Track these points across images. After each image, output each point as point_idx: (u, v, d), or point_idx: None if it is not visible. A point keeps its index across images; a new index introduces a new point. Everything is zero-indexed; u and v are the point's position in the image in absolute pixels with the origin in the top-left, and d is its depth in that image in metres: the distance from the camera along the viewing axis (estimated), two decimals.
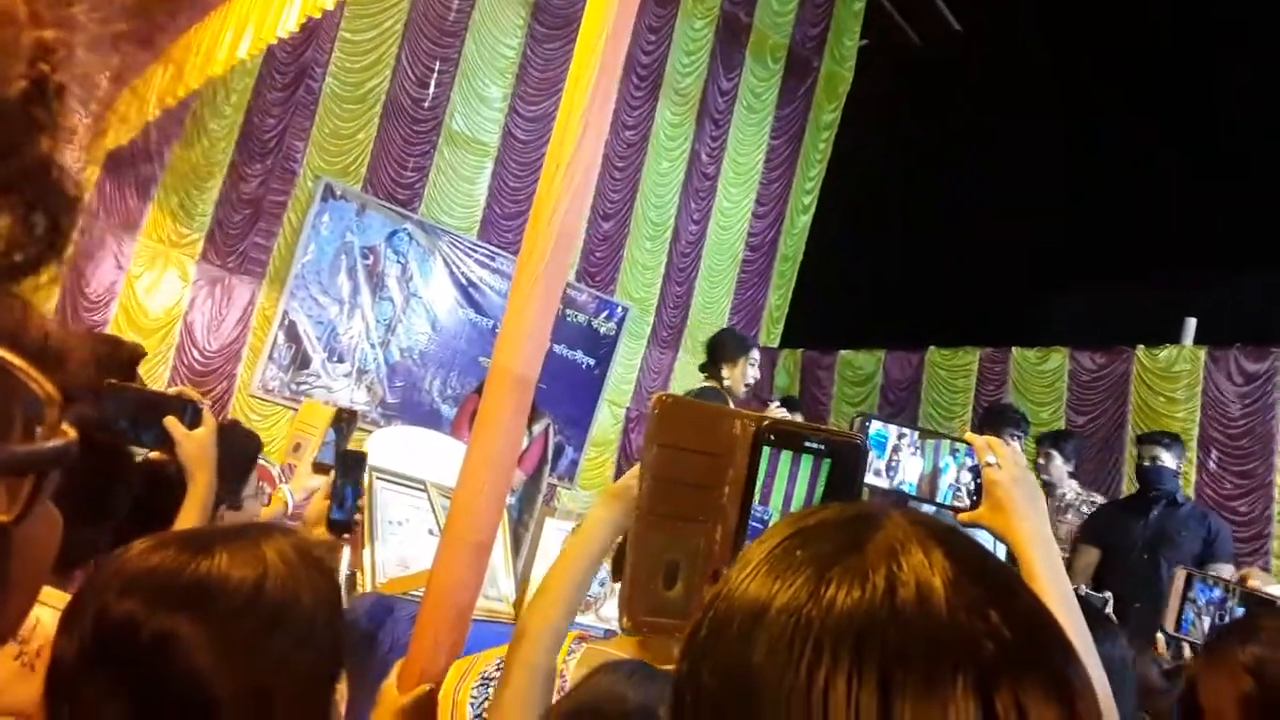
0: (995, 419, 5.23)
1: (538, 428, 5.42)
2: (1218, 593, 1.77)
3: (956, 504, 1.33)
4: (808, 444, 0.76)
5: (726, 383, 5.02)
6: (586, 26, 2.59)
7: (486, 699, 1.69)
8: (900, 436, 1.34)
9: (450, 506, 2.51)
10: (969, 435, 1.31)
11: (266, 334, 6.65)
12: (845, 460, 0.76)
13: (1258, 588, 1.88)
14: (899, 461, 1.33)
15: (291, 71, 6.68)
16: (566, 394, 7.53)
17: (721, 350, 5.23)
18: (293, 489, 2.51)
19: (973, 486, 1.31)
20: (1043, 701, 0.49)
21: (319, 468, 2.30)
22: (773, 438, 0.76)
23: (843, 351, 8.24)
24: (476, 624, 2.66)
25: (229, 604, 0.89)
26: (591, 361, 7.87)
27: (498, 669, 1.73)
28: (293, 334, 6.70)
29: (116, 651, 0.86)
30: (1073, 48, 8.82)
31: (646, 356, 8.27)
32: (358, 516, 2.19)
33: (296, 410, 6.64)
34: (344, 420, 2.34)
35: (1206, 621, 1.75)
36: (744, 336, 5.62)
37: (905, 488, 1.34)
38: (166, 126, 6.16)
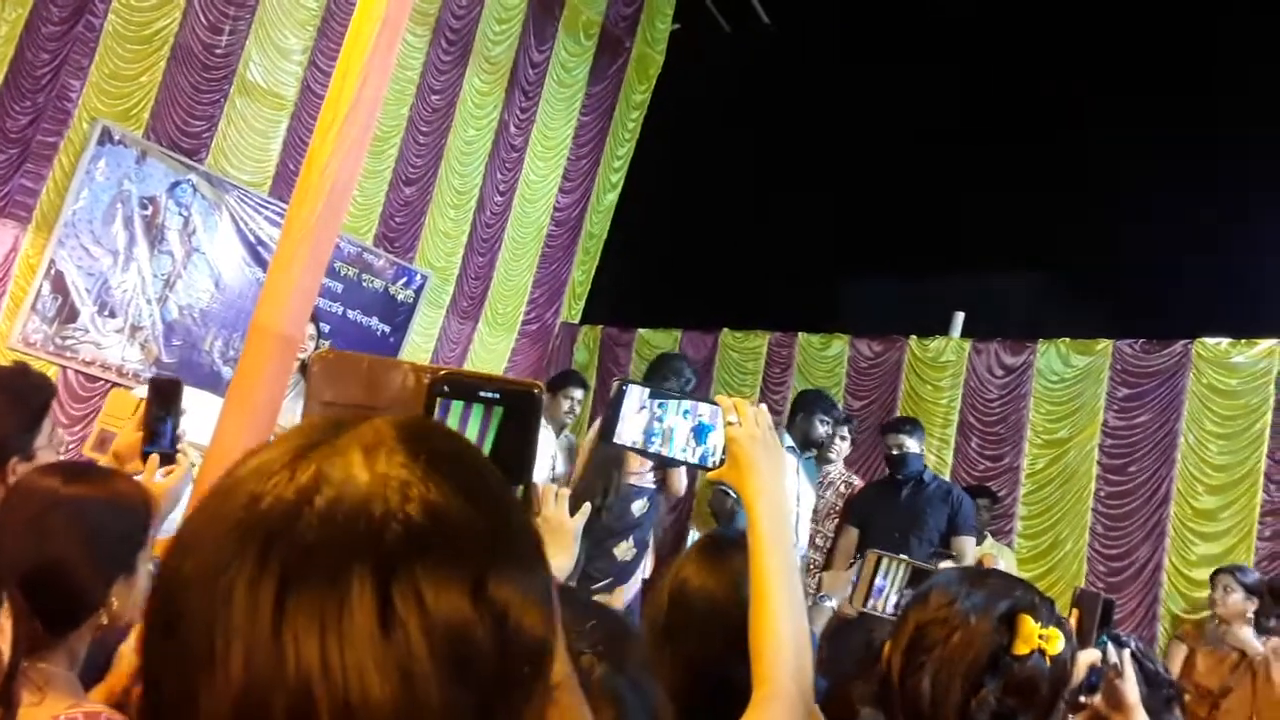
0: (810, 403, 5.53)
1: None
2: (903, 570, 1.96)
3: (687, 459, 1.40)
4: (481, 394, 0.78)
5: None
6: None
7: None
8: (651, 399, 1.39)
9: (203, 462, 2.44)
10: (718, 397, 1.39)
11: (30, 283, 6.19)
12: (518, 409, 0.79)
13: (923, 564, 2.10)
14: (663, 426, 1.39)
15: (70, 5, 6.21)
16: None
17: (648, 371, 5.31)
18: None
19: (698, 443, 1.39)
20: (446, 586, 0.49)
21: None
22: (446, 389, 0.78)
23: (641, 330, 8.40)
24: None
25: None
26: (387, 329, 7.72)
27: None
28: (60, 285, 6.27)
29: None
30: (871, 46, 9.25)
31: (445, 326, 8.18)
32: (179, 453, 2.08)
33: (62, 366, 6.24)
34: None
35: (894, 597, 1.94)
36: (668, 358, 5.66)
37: (655, 450, 1.40)
38: None
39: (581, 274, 9.06)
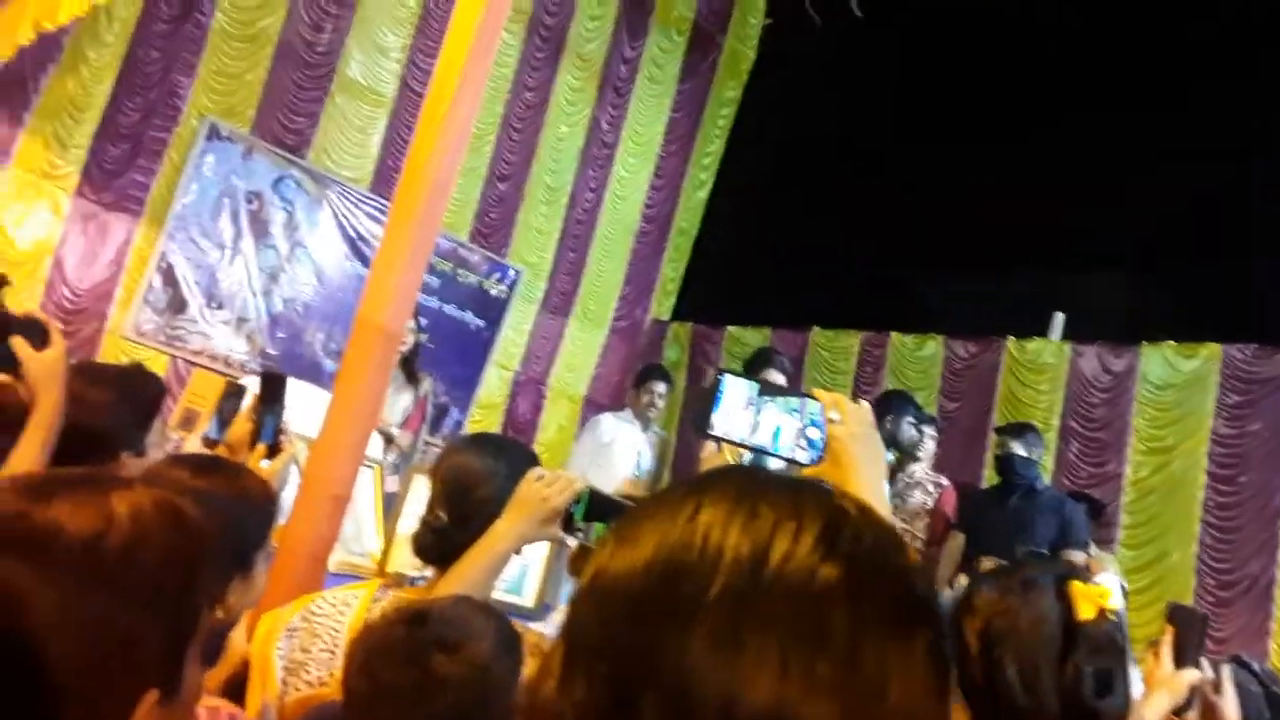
0: (898, 404, 5.42)
1: (422, 389, 5.38)
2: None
3: (793, 457, 1.38)
4: None
5: None
6: None
7: (292, 649, 1.70)
8: (753, 391, 1.38)
9: (308, 456, 2.49)
10: (817, 391, 1.36)
11: (142, 275, 6.42)
12: None
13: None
14: (759, 418, 1.37)
15: (180, 4, 6.43)
16: (454, 355, 7.47)
17: (745, 367, 5.24)
18: None
19: (808, 442, 1.37)
20: None
21: (208, 443, 2.25)
22: None
23: (731, 327, 8.36)
24: (339, 577, 2.66)
25: (61, 557, 0.83)
26: (481, 323, 7.82)
27: (302, 620, 1.74)
28: (170, 277, 6.49)
29: None
30: (964, 38, 9.04)
31: (537, 321, 8.25)
32: (281, 440, 2.16)
33: (172, 356, 6.46)
34: (231, 395, 2.29)
35: None
36: (764, 352, 5.60)
37: (756, 443, 1.38)
38: (43, 51, 5.86)
39: (672, 270, 9.05)
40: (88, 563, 0.84)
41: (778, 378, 5.13)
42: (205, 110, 6.56)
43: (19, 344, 1.72)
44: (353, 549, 3.44)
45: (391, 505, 4.13)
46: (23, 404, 1.78)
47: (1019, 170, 8.67)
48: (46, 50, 5.91)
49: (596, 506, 1.78)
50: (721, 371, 1.37)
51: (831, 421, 1.31)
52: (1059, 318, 6.99)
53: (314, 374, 6.47)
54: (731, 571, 0.51)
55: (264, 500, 1.67)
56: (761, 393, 1.37)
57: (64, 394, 1.79)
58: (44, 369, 1.75)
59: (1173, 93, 8.18)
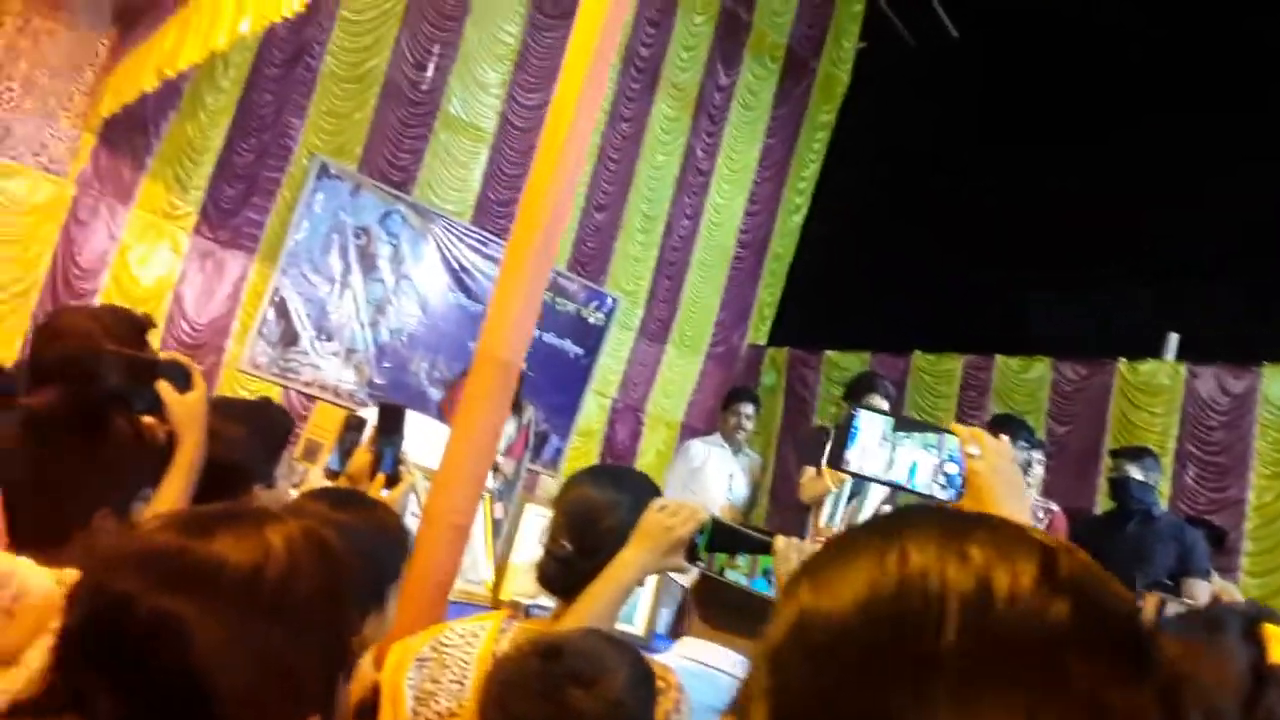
0: (1008, 428, 5.30)
1: (525, 417, 5.46)
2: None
3: (931, 494, 1.36)
4: None
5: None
6: (583, 17, 2.62)
7: (422, 679, 1.73)
8: (888, 426, 1.37)
9: (430, 487, 2.55)
10: (954, 426, 1.34)
11: (257, 310, 6.66)
12: None
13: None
14: (894, 454, 1.36)
15: (290, 48, 6.68)
16: (553, 383, 7.56)
17: (847, 391, 5.22)
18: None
19: (946, 478, 1.35)
20: None
21: (329, 474, 2.32)
22: None
23: (829, 352, 8.29)
24: (455, 605, 2.71)
25: (224, 590, 0.86)
26: (580, 351, 7.90)
27: (432, 650, 1.77)
28: (283, 311, 6.71)
29: (110, 630, 0.84)
30: (1066, 59, 8.86)
31: (634, 348, 8.31)
32: (401, 469, 2.21)
33: (284, 387, 6.68)
34: (351, 427, 2.37)
35: None
36: (866, 377, 5.55)
37: (892, 479, 1.37)
38: (164, 97, 6.15)
39: (768, 296, 9.03)
40: (249, 595, 0.88)
41: (881, 403, 5.07)
42: (315, 149, 6.80)
43: (164, 387, 1.80)
44: (468, 577, 3.50)
45: (498, 532, 4.19)
46: (162, 444, 1.86)
47: (1126, 185, 8.44)
48: (167, 97, 6.20)
49: (720, 536, 1.78)
50: (856, 407, 1.36)
51: (970, 456, 1.28)
52: (1173, 338, 6.76)
53: (419, 402, 6.61)
54: (960, 616, 0.49)
55: (398, 534, 1.72)
56: (897, 428, 1.36)
57: (205, 435, 1.87)
58: (187, 411, 1.82)
59: None
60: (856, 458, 1.36)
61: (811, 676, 0.52)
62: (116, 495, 1.72)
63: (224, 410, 2.10)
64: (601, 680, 1.28)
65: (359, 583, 1.57)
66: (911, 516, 0.57)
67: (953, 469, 1.32)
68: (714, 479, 5.70)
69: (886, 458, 1.36)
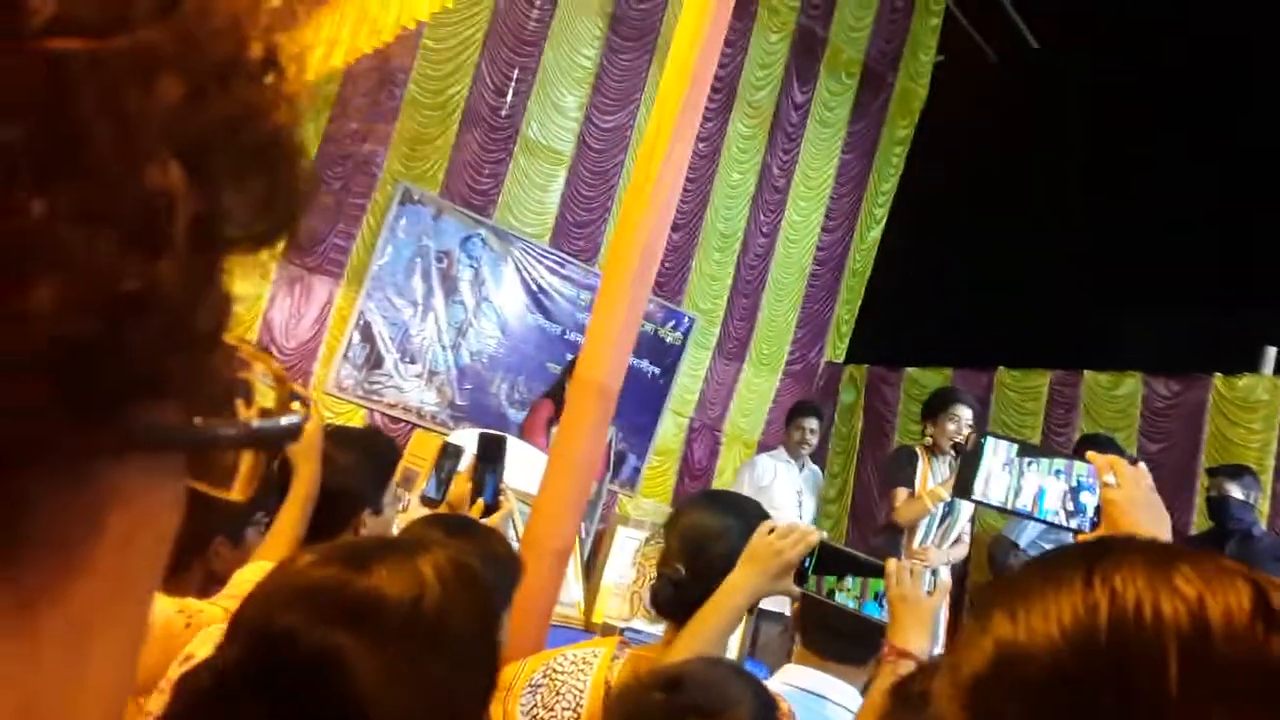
0: (1095, 447, 5.17)
1: (606, 437, 5.47)
2: None
3: (1059, 522, 1.34)
4: None
5: (928, 440, 4.97)
6: (678, 43, 2.64)
7: (535, 705, 1.74)
8: (1013, 452, 1.35)
9: (530, 513, 2.57)
10: (1090, 455, 1.31)
11: (342, 333, 6.80)
12: None
13: None
14: (1021, 481, 1.34)
15: (375, 77, 6.83)
16: (631, 402, 7.55)
17: (926, 408, 5.21)
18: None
19: (1074, 505, 1.32)
20: None
21: (427, 502, 2.36)
22: None
23: (909, 369, 8.19)
24: (550, 629, 2.72)
25: (386, 623, 0.87)
26: (657, 370, 7.91)
27: (544, 676, 1.78)
28: (367, 334, 6.84)
29: (274, 666, 0.86)
30: (1154, 69, 8.67)
31: (711, 367, 8.30)
32: (500, 499, 2.24)
33: (369, 409, 6.80)
34: (448, 455, 2.41)
35: None
36: (948, 392, 5.52)
37: (1019, 507, 1.35)
38: None
39: (846, 312, 8.95)
40: (408, 627, 0.89)
41: (966, 413, 4.99)
42: (399, 176, 6.93)
43: None
44: (560, 599, 3.52)
45: (581, 553, 4.21)
46: (272, 474, 1.90)
47: (1221, 195, 8.23)
48: None
49: (828, 558, 1.77)
50: (985, 434, 1.35)
51: (1107, 486, 1.26)
52: (1270, 351, 6.54)
53: (500, 423, 6.67)
54: (1181, 651, 0.48)
55: (511, 562, 1.74)
56: (1021, 453, 1.34)
57: (320, 465, 1.91)
58: (304, 441, 1.86)
59: None
60: (982, 485, 1.35)
61: (1021, 713, 0.51)
62: (232, 523, 1.77)
63: (337, 438, 2.15)
64: (726, 712, 1.28)
65: None
66: (1109, 545, 0.56)
67: (1087, 498, 1.29)
68: (782, 495, 5.66)
69: (1013, 485, 1.34)
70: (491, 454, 2.33)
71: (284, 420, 0.38)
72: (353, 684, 0.85)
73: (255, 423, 0.36)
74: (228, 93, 0.29)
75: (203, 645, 1.22)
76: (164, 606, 1.54)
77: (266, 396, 0.40)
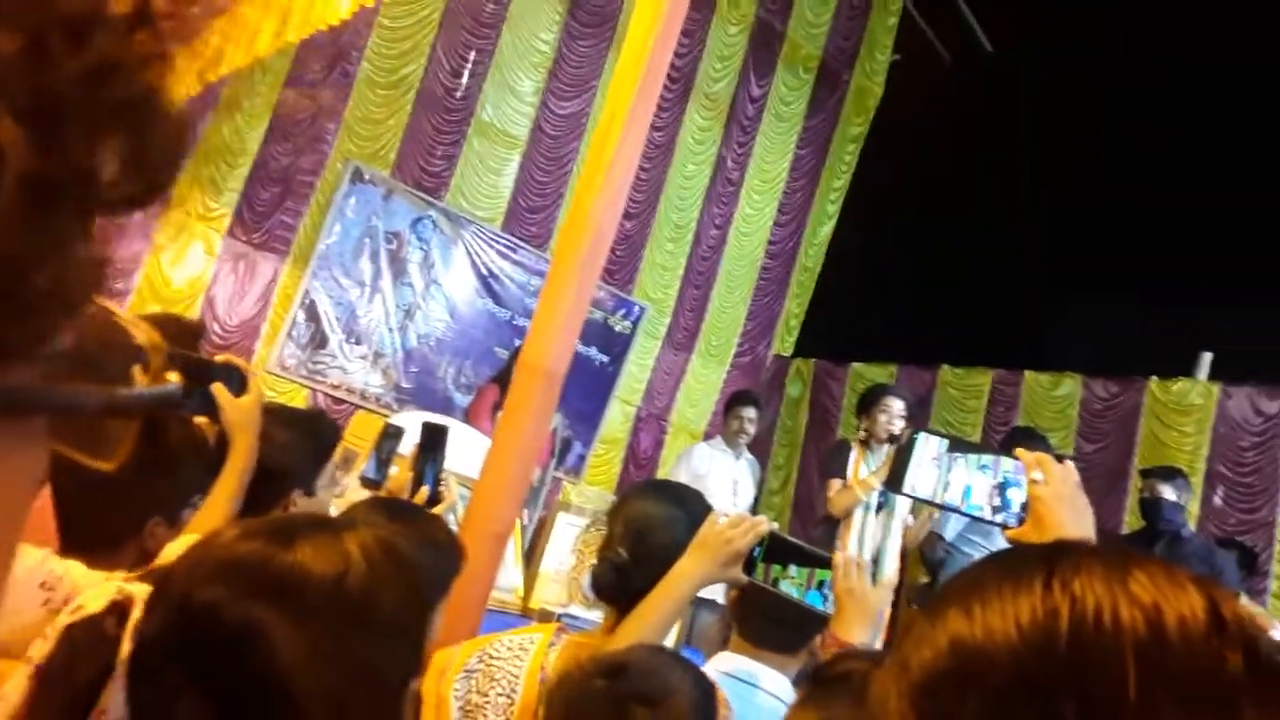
0: (1025, 441, 5.26)
1: (552, 423, 5.46)
2: None
3: (985, 516, 1.35)
4: None
5: (863, 434, 5.04)
6: (634, 31, 2.63)
7: (469, 691, 1.73)
8: (942, 448, 1.36)
9: (471, 497, 2.55)
10: (1019, 451, 1.33)
11: (287, 312, 6.70)
12: None
13: None
14: (949, 476, 1.36)
15: (328, 54, 6.72)
16: (578, 390, 7.55)
17: (860, 403, 5.27)
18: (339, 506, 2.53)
19: (1001, 500, 1.34)
20: None
21: (366, 483, 2.34)
22: None
23: (855, 364, 8.27)
24: (486, 613, 2.71)
25: (309, 599, 0.87)
26: (605, 359, 7.90)
27: (480, 662, 1.77)
28: (313, 314, 6.75)
29: (195, 639, 0.85)
30: (1099, 73, 8.82)
31: (660, 357, 8.31)
32: (441, 489, 2.23)
33: (312, 390, 6.71)
34: (389, 436, 2.38)
35: None
36: (880, 385, 5.59)
37: (946, 501, 1.37)
38: (201, 100, 6.20)
39: (795, 306, 9.01)
40: (333, 603, 0.88)
41: (896, 404, 5.07)
42: (349, 155, 6.84)
43: (219, 390, 1.80)
44: (498, 584, 3.51)
45: (523, 540, 4.20)
46: (213, 450, 1.87)
47: (1162, 203, 8.39)
48: (203, 99, 6.25)
49: (777, 549, 1.78)
50: (918, 429, 1.36)
51: (1034, 482, 1.27)
52: (1206, 357, 6.69)
53: (446, 407, 6.63)
54: (1139, 657, 0.48)
55: (452, 549, 1.72)
56: (950, 449, 1.36)
57: (257, 439, 1.88)
58: (241, 415, 1.83)
59: None
60: (912, 480, 1.36)
61: (974, 711, 0.50)
62: (169, 501, 1.73)
63: (277, 415, 2.11)
64: (667, 700, 1.28)
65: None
66: (1066, 548, 0.56)
67: (1015, 494, 1.31)
68: (718, 485, 5.68)
69: (942, 479, 1.35)
70: (433, 443, 2.32)
71: (152, 390, 0.36)
72: (274, 660, 0.84)
73: (121, 390, 0.35)
74: (83, 48, 0.28)
75: (95, 600, 1.19)
76: (91, 579, 1.51)
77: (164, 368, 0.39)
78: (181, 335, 2.06)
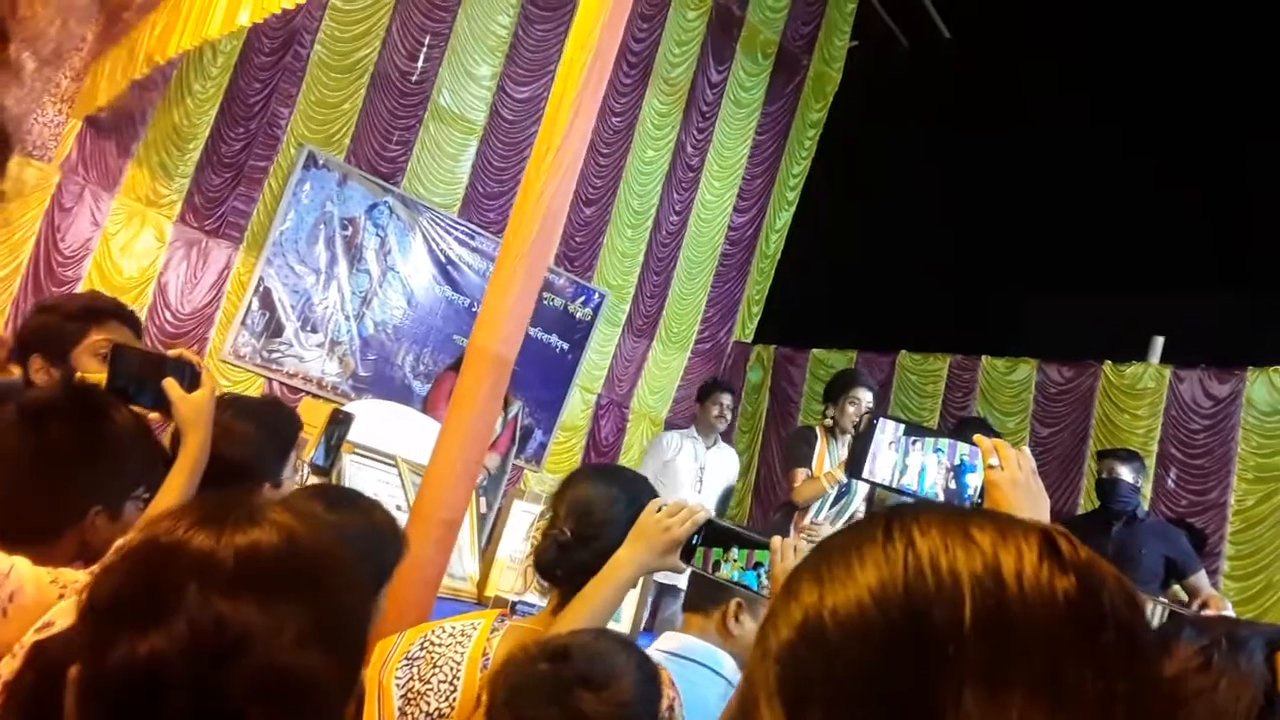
0: (975, 430, 5.27)
1: (511, 411, 5.43)
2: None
3: (941, 500, 1.36)
4: None
5: (829, 421, 5.01)
6: (582, 13, 2.60)
7: (411, 678, 1.71)
8: (899, 433, 1.37)
9: (421, 483, 2.52)
10: (977, 438, 1.34)
11: (241, 299, 6.61)
12: None
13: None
14: (906, 460, 1.36)
15: (280, 37, 6.62)
16: (539, 377, 7.53)
17: (828, 390, 5.25)
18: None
19: (957, 484, 1.35)
20: None
21: (316, 470, 2.30)
22: None
23: (815, 350, 8.30)
24: (440, 601, 2.69)
25: (260, 579, 0.84)
26: (566, 346, 7.88)
27: (421, 649, 1.75)
28: (267, 301, 6.66)
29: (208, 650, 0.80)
30: (1060, 60, 8.89)
31: (621, 344, 8.29)
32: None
33: (267, 378, 6.63)
34: (338, 421, 2.36)
35: None
36: (849, 374, 5.57)
37: (903, 485, 1.37)
38: (150, 84, 6.09)
39: (755, 293, 9.03)
40: (279, 583, 0.85)
41: (866, 395, 5.06)
42: (303, 139, 6.74)
43: (170, 385, 1.77)
44: (453, 572, 3.48)
45: (482, 528, 4.17)
46: (164, 445, 1.83)
47: (1117, 188, 8.48)
48: (154, 83, 6.13)
49: (713, 535, 1.78)
50: (877, 416, 1.36)
51: (990, 467, 1.28)
52: (1158, 341, 6.78)
53: (403, 395, 6.58)
54: (975, 597, 0.49)
55: (392, 535, 1.70)
56: (908, 433, 1.36)
57: (210, 435, 1.84)
58: (193, 410, 1.79)
59: None
60: (870, 465, 1.36)
61: (828, 673, 0.51)
62: (112, 492, 1.69)
63: (238, 408, 2.07)
64: (610, 684, 1.27)
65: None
66: (908, 510, 0.56)
67: (971, 479, 1.32)
68: (684, 471, 5.68)
69: (899, 463, 1.36)
70: (338, 421, 2.34)
71: None
72: (256, 649, 0.81)
73: None
74: None
75: (63, 616, 1.16)
76: (37, 576, 1.47)
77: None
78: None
